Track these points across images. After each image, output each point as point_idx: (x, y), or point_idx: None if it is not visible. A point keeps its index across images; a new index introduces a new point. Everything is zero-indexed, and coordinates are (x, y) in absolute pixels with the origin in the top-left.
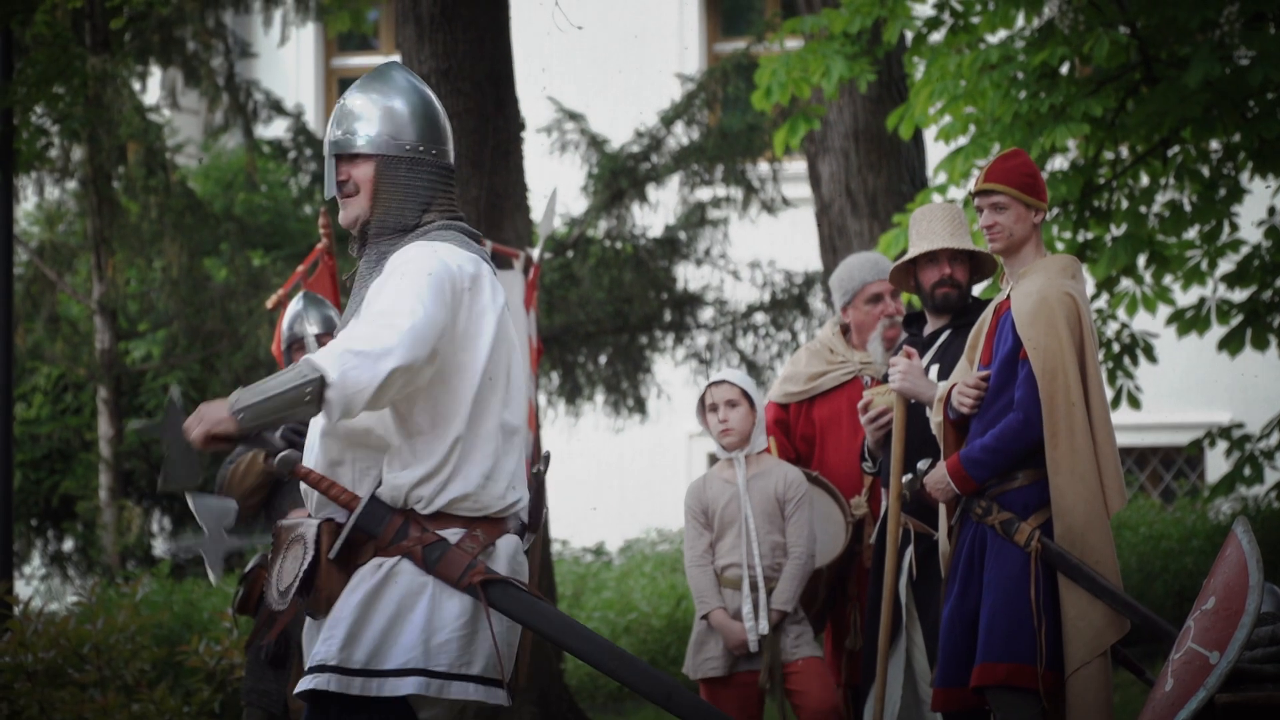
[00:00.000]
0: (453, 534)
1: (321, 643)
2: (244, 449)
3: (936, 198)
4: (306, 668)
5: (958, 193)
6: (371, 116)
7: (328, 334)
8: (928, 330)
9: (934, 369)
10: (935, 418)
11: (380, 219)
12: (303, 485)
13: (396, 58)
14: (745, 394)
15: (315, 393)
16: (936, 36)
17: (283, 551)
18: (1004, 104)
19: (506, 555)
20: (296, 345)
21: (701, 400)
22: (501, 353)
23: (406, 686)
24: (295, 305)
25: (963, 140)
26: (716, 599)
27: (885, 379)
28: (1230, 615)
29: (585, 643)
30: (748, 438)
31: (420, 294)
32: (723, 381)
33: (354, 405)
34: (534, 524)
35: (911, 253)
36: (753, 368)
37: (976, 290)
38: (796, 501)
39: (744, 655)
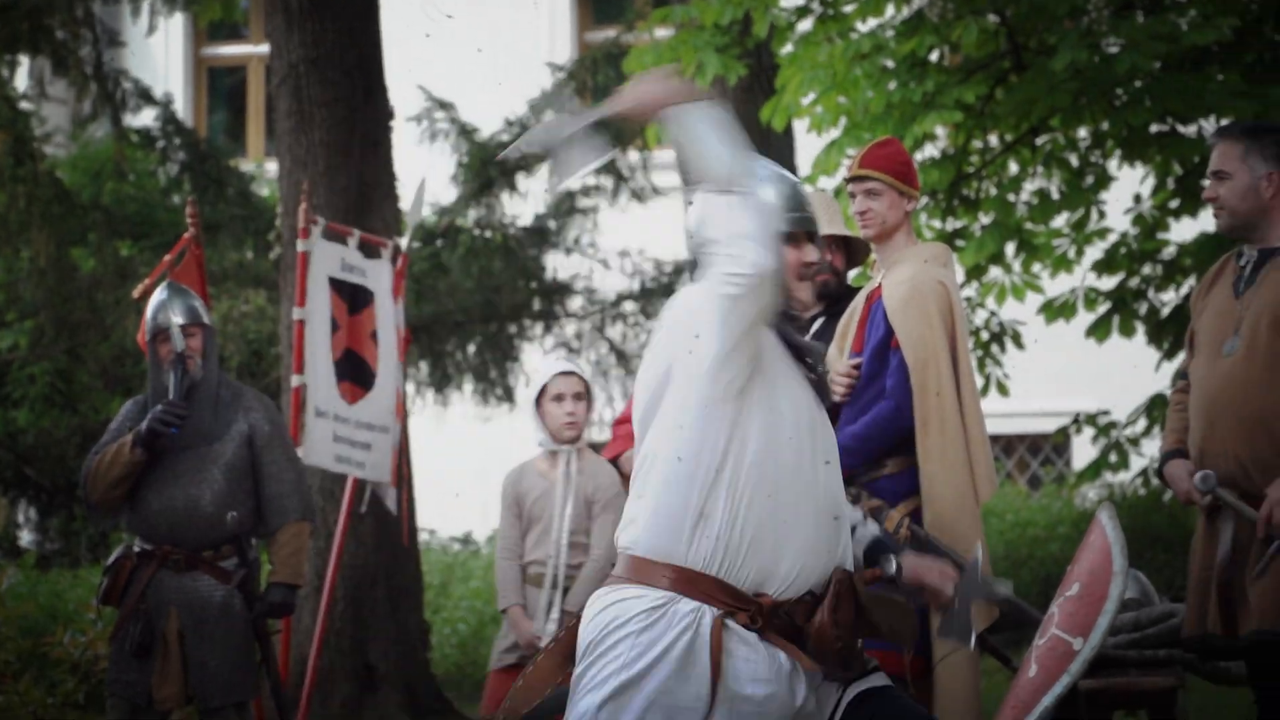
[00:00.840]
0: None
1: None
2: (109, 440)
3: (807, 188)
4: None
5: (828, 182)
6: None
7: (193, 324)
8: None
9: None
10: None
11: None
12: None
13: (265, 48)
14: (589, 388)
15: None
16: (805, 25)
17: None
18: (876, 93)
19: None
20: (161, 336)
21: (543, 389)
22: None
23: None
24: (160, 295)
25: (835, 132)
26: (517, 595)
27: None
28: (1094, 601)
29: None
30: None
31: None
32: (572, 373)
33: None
34: None
35: None
36: (621, 356)
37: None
38: (605, 503)
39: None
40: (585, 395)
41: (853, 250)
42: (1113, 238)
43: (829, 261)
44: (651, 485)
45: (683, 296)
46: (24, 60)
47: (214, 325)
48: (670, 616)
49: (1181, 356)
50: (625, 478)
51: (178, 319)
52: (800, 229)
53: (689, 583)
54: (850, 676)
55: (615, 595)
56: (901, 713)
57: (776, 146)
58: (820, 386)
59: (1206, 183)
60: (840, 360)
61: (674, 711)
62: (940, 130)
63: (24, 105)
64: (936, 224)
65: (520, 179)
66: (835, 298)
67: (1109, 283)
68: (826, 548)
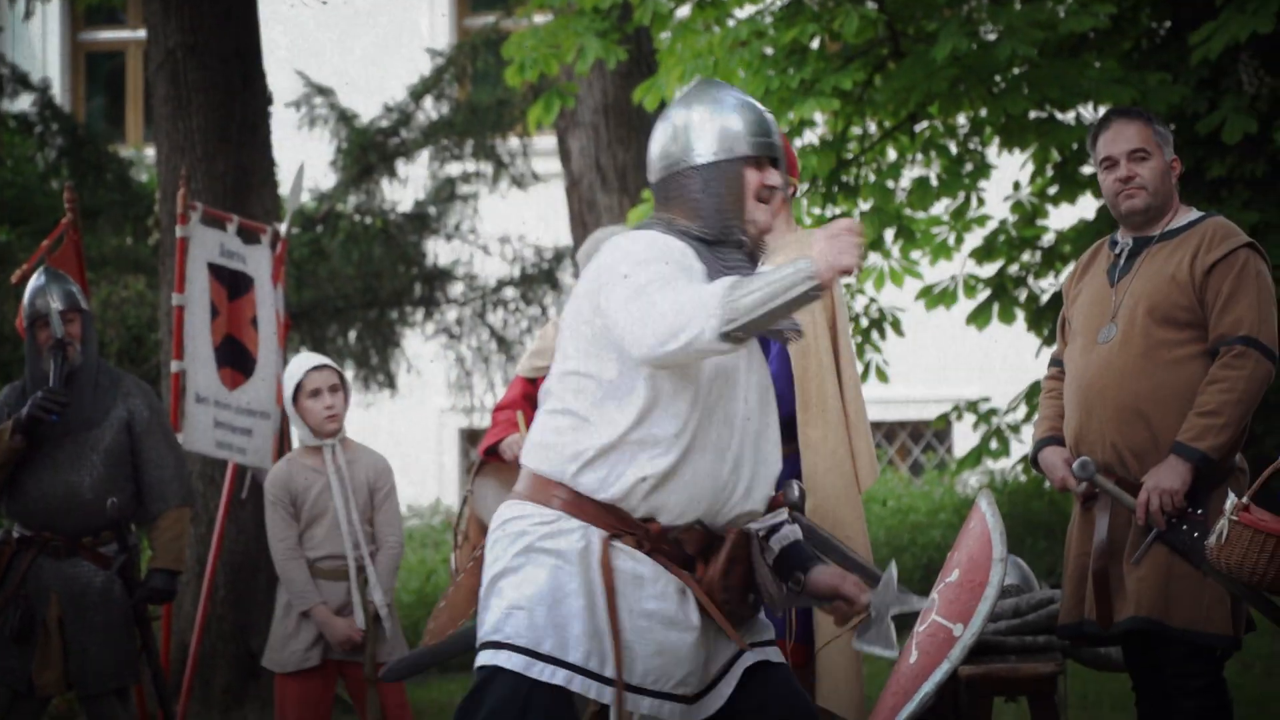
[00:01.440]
0: None
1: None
2: None
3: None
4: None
5: None
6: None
7: (72, 310)
8: None
9: None
10: None
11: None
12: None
13: (143, 33)
14: (342, 379)
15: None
16: (684, 11)
17: None
18: (754, 80)
19: None
20: (39, 321)
21: (299, 386)
22: None
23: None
24: (37, 280)
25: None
26: (315, 593)
27: None
28: (974, 588)
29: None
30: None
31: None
32: (325, 366)
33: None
34: None
35: None
36: (502, 342)
37: None
38: (386, 491)
39: (347, 649)
40: (341, 387)
41: None
42: (992, 225)
43: None
44: (562, 407)
45: (625, 240)
46: None
47: (92, 311)
48: (560, 532)
49: None
50: (507, 463)
51: (56, 305)
52: (764, 154)
53: (579, 505)
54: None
55: (511, 511)
56: (791, 696)
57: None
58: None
59: (1089, 169)
60: None
61: (571, 618)
62: (819, 117)
63: None
64: (816, 210)
65: (400, 165)
66: None
67: (988, 270)
68: (722, 488)
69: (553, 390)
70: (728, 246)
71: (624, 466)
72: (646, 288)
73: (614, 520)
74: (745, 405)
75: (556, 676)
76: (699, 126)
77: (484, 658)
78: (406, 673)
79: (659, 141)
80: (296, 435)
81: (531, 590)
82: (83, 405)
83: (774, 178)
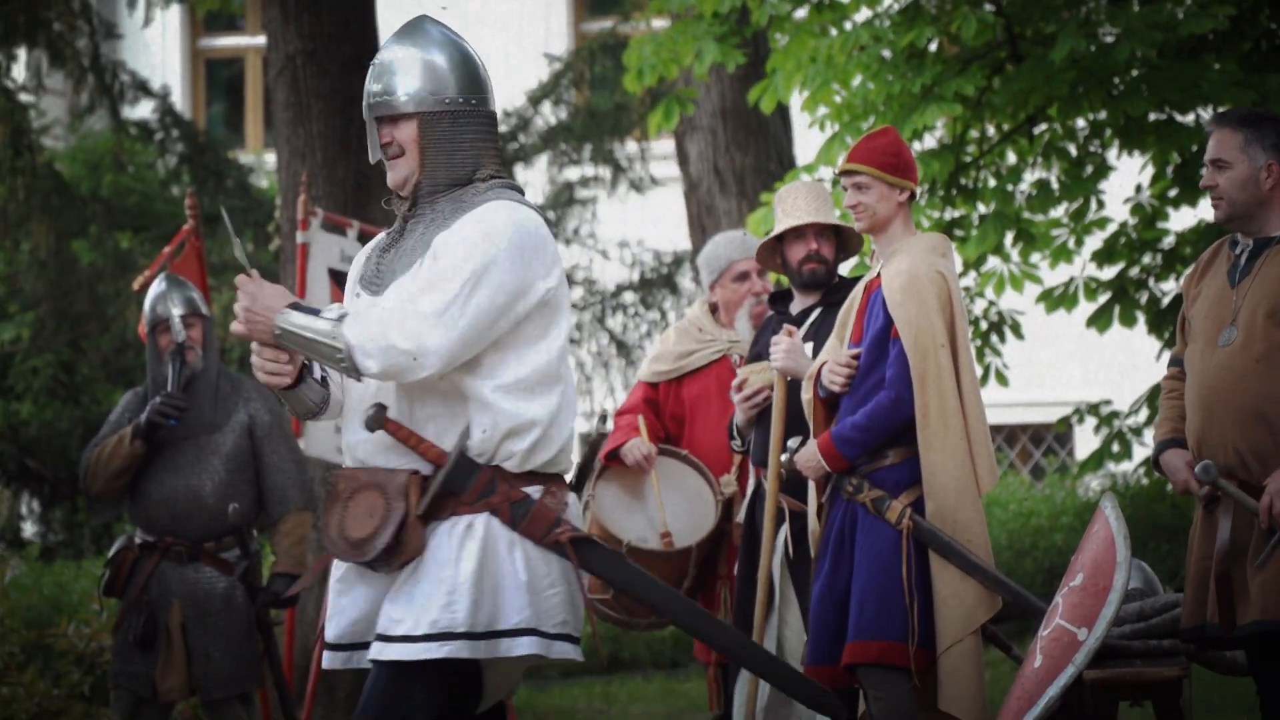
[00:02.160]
0: (534, 491)
1: (442, 610)
2: (108, 431)
3: (805, 177)
4: (411, 634)
5: (827, 172)
6: (411, 72)
7: (192, 315)
8: (795, 308)
9: (808, 347)
10: (804, 394)
11: (431, 178)
12: (357, 437)
13: (261, 40)
14: None
15: (350, 365)
16: (800, 13)
17: (344, 501)
18: (875, 85)
19: (576, 512)
20: (161, 326)
21: None
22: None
23: (522, 647)
24: (158, 286)
25: (830, 122)
26: None
27: (756, 357)
28: (1098, 592)
29: (668, 599)
30: None
31: (482, 274)
32: None
33: (397, 380)
34: (579, 481)
35: (777, 229)
36: (622, 347)
37: (844, 269)
38: None
39: None
40: None
41: (845, 239)
42: (1112, 227)
43: (816, 250)
44: None
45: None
46: (21, 52)
47: (212, 316)
48: None
49: None
50: (628, 467)
51: (177, 310)
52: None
53: None
54: None
55: None
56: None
57: (773, 135)
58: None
59: (1205, 171)
60: (840, 350)
61: None
62: (938, 121)
63: (22, 97)
64: (935, 214)
65: (519, 170)
66: (823, 286)
67: (1109, 272)
68: None
69: None
70: None
71: None
72: None
73: None
74: None
75: None
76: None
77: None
78: None
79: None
80: None
81: None
82: (203, 410)
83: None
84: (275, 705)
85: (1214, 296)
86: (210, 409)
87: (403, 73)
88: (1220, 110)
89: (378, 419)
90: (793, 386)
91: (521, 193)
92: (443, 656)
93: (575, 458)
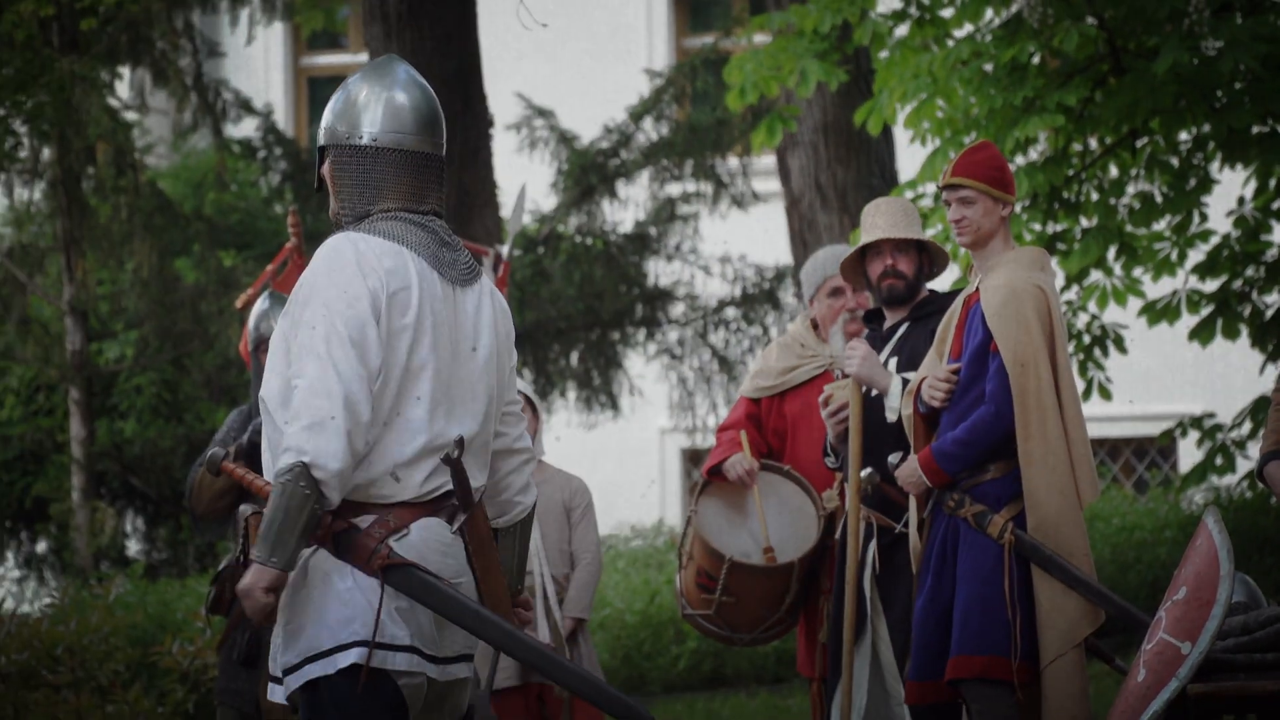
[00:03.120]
0: (364, 520)
1: (276, 652)
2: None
3: (907, 193)
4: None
5: (929, 187)
6: (332, 109)
7: None
8: (887, 324)
9: (893, 361)
10: (904, 410)
11: (340, 211)
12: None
13: (364, 57)
14: (530, 400)
15: (308, 481)
16: (902, 30)
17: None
18: (978, 100)
19: (420, 538)
20: (264, 345)
21: None
22: (421, 352)
23: (349, 657)
24: (261, 304)
25: (932, 137)
26: None
27: (843, 372)
28: (1202, 605)
29: (485, 626)
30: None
31: (327, 340)
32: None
33: (344, 472)
34: (465, 504)
35: (856, 245)
36: (724, 362)
37: (943, 284)
38: (583, 509)
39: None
40: (531, 410)
41: (932, 255)
42: (1214, 240)
43: (892, 265)
44: None
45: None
46: (125, 71)
47: None
48: None
49: None
50: (730, 482)
51: None
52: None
53: None
54: None
55: None
56: None
57: (876, 152)
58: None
59: None
60: (939, 366)
61: None
62: (1040, 134)
63: (126, 116)
64: (1038, 227)
65: (620, 186)
66: (903, 301)
67: (1211, 285)
68: None
69: None
70: None
71: None
72: None
73: None
74: None
75: None
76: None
77: None
78: None
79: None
80: None
81: None
82: None
83: None
84: None
85: None
86: None
87: (328, 111)
88: None
89: (214, 463)
90: (871, 401)
91: (431, 228)
92: (284, 700)
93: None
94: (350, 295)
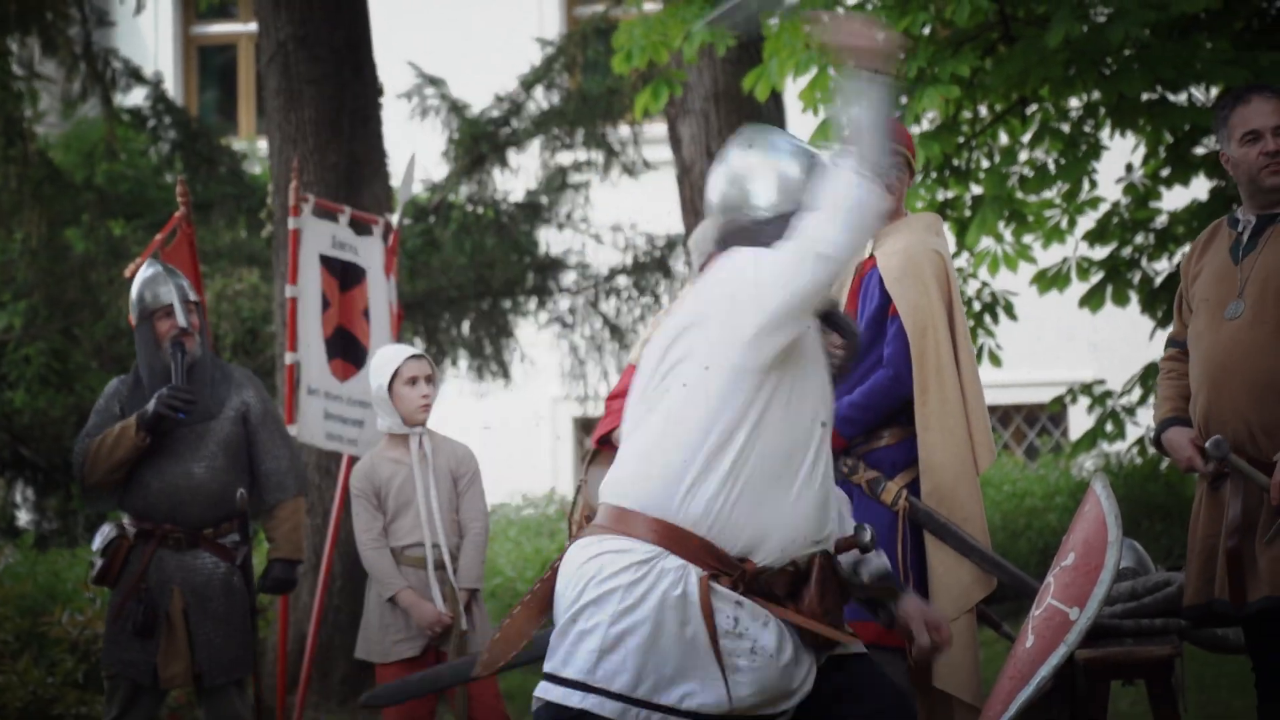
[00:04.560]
0: None
1: None
2: (98, 420)
3: None
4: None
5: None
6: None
7: (189, 301)
8: None
9: None
10: None
11: None
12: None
13: (253, 26)
14: (434, 372)
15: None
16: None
17: None
18: None
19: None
20: (160, 313)
21: (396, 373)
22: None
23: None
24: (146, 272)
25: (824, 106)
26: (400, 579)
27: None
28: (1090, 571)
29: None
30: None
31: None
32: (420, 356)
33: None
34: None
35: None
36: (615, 330)
37: None
38: (469, 477)
39: (435, 635)
40: (433, 378)
41: None
42: (1104, 207)
43: None
44: (653, 437)
45: (749, 254)
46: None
47: (203, 304)
48: (658, 571)
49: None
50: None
51: (177, 296)
52: None
53: (677, 541)
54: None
55: (600, 547)
56: (874, 683)
57: (766, 117)
58: (843, 363)
59: (1201, 150)
60: (830, 333)
61: (667, 658)
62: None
63: (15, 86)
64: (928, 195)
65: (511, 154)
66: None
67: (1101, 252)
68: (816, 525)
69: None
70: None
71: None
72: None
73: (713, 560)
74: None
75: (653, 718)
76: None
77: (570, 699)
78: (390, 700)
79: (787, 172)
80: (381, 424)
81: (626, 632)
82: (201, 398)
83: None
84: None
85: (1216, 273)
86: (207, 396)
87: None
88: (1249, 84)
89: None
90: None
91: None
92: None
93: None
94: None
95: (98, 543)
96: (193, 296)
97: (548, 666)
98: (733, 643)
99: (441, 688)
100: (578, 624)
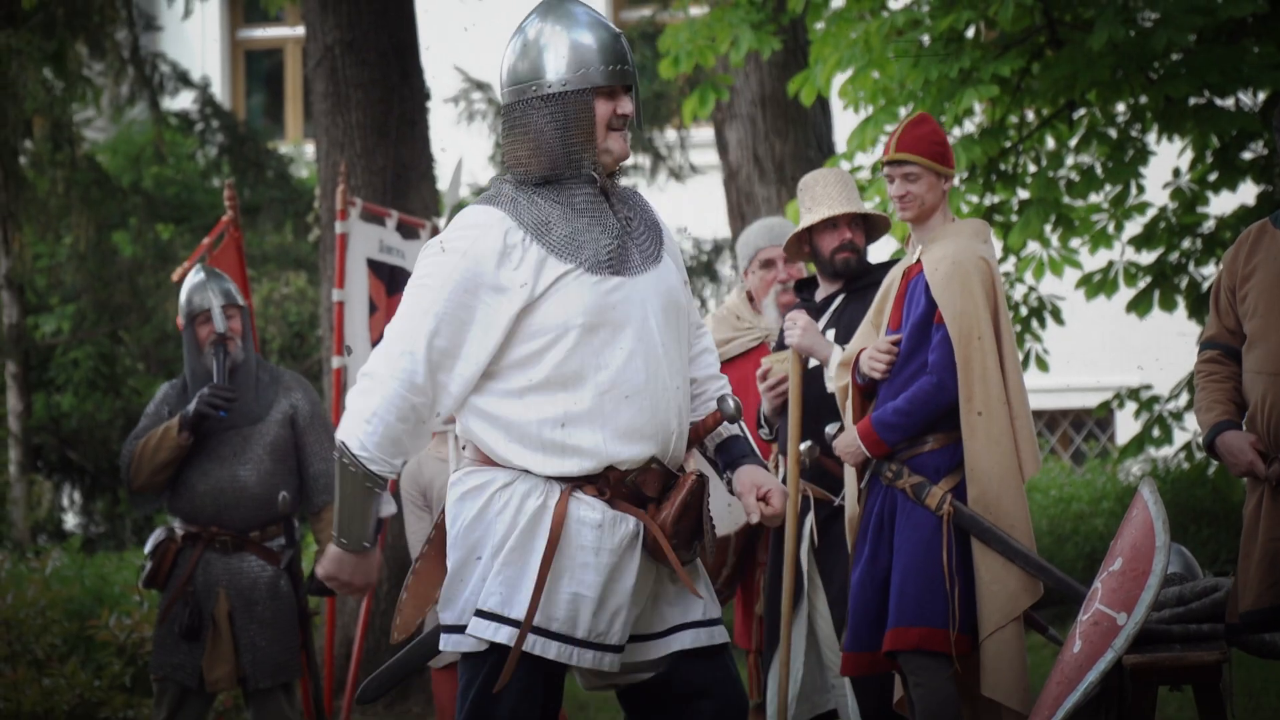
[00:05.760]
0: None
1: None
2: (147, 424)
3: (843, 164)
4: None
5: (865, 158)
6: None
7: (231, 305)
8: (820, 295)
9: (830, 333)
10: (840, 381)
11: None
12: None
13: (300, 30)
14: None
15: (359, 469)
16: (839, 1)
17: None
18: (913, 71)
19: None
20: (200, 317)
21: None
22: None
23: None
24: (193, 278)
25: (865, 105)
26: None
27: (782, 346)
28: (1137, 576)
29: None
30: None
31: (411, 309)
32: None
33: (399, 450)
34: None
35: (810, 220)
36: None
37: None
38: None
39: None
40: None
41: (871, 226)
42: (1151, 212)
43: (850, 239)
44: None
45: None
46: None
47: (249, 307)
48: (522, 488)
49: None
50: None
51: (216, 300)
52: (617, 83)
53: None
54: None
55: (470, 481)
56: (732, 683)
57: (812, 122)
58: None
59: (1249, 154)
60: (876, 337)
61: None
62: (977, 106)
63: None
64: (974, 199)
65: None
66: (857, 275)
67: (1148, 257)
68: (673, 420)
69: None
70: (578, 181)
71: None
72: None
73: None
74: (656, 337)
75: (500, 635)
76: (552, 48)
77: (482, 630)
78: (380, 691)
79: (508, 59)
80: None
81: (492, 552)
82: (246, 400)
83: (626, 105)
84: (315, 695)
85: (1273, 276)
86: (252, 399)
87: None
88: None
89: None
90: (810, 374)
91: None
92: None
93: None
94: None
95: (149, 546)
96: (239, 301)
97: None
98: (582, 552)
99: (416, 666)
100: (468, 567)
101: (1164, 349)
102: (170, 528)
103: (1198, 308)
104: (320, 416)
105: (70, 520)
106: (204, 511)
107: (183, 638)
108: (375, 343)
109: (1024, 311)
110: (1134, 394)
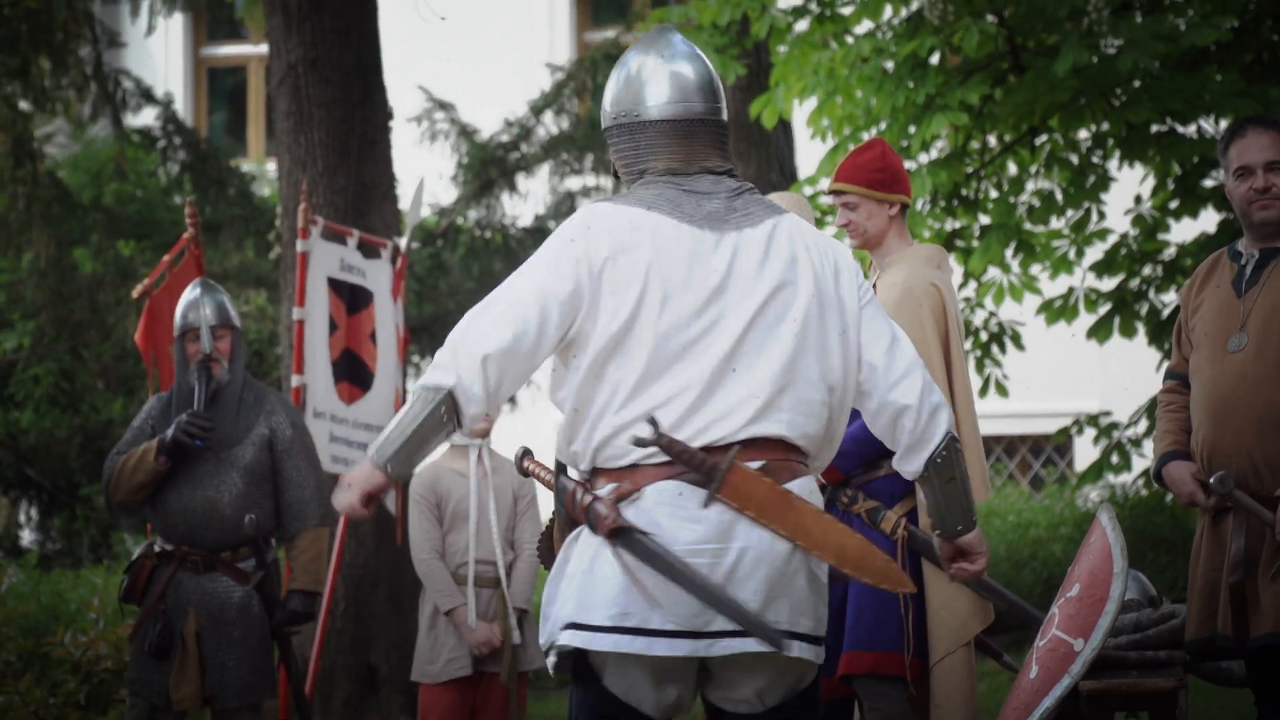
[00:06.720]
0: (605, 489)
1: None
2: (132, 438)
3: (806, 189)
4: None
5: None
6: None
7: (223, 325)
8: None
9: None
10: None
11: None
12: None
13: (264, 48)
14: None
15: (449, 408)
16: (802, 25)
17: None
18: (879, 98)
19: (653, 500)
20: (190, 334)
21: None
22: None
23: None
24: (191, 291)
25: (833, 134)
26: (459, 595)
27: None
28: (1094, 602)
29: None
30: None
31: (527, 267)
32: None
33: (477, 403)
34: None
35: None
36: None
37: None
38: (530, 499)
39: (483, 655)
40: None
41: None
42: (1112, 238)
43: None
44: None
45: None
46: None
47: (241, 328)
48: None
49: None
50: None
51: (208, 319)
52: None
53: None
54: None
55: None
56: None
57: (776, 148)
58: None
59: (1210, 182)
60: None
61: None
62: (940, 131)
63: (23, 106)
64: (936, 225)
65: (520, 179)
66: None
67: (1109, 284)
68: None
69: None
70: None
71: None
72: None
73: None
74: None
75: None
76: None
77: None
78: None
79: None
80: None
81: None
82: (225, 423)
83: None
84: (293, 714)
85: (1218, 306)
86: (232, 422)
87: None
88: (1247, 116)
89: (519, 463)
90: None
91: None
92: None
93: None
94: None
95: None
96: (233, 320)
97: None
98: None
99: None
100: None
101: (1126, 375)
102: (151, 543)
103: (1157, 334)
104: (301, 441)
105: (26, 537)
106: (177, 530)
107: (152, 656)
108: (335, 362)
109: (984, 337)
110: (1093, 420)
